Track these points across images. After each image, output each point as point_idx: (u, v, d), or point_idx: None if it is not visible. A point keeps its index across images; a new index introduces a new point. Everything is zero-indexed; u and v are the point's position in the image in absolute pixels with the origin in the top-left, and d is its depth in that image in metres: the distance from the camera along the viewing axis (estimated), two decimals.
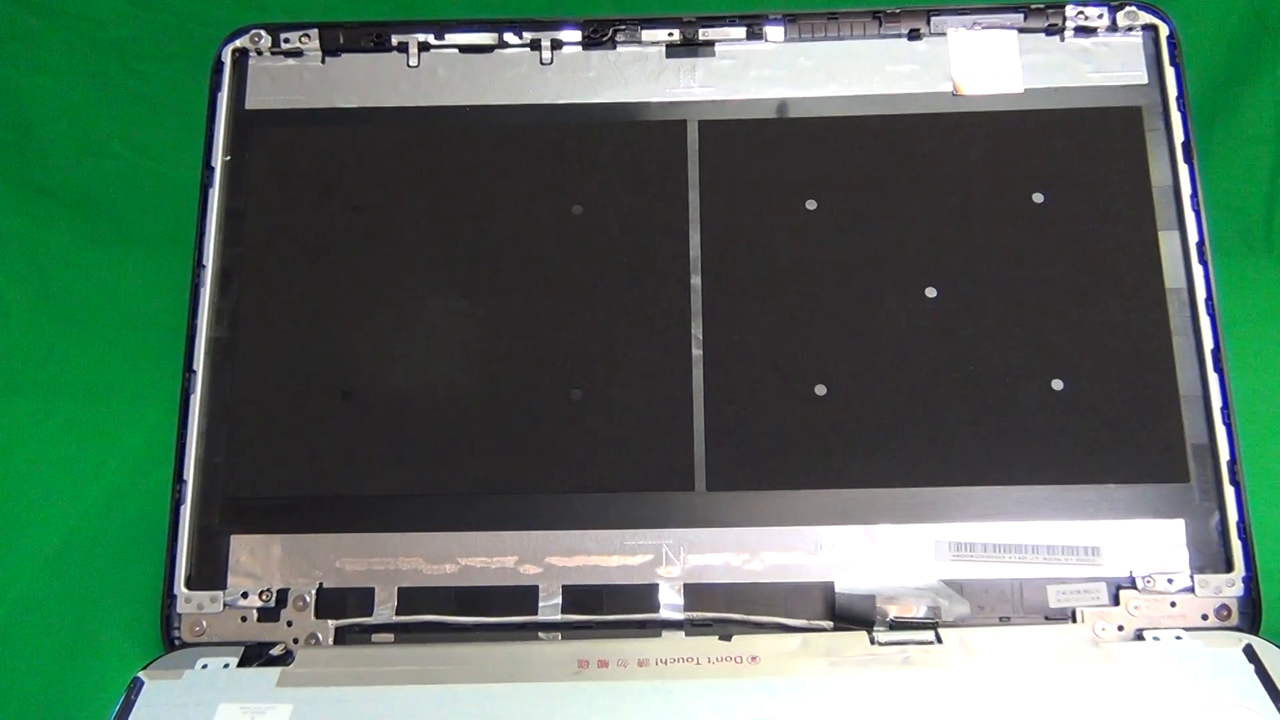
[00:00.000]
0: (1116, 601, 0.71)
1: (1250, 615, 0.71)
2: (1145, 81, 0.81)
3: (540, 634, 0.72)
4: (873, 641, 0.68)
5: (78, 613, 0.78)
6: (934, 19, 0.82)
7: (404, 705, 0.64)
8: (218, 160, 0.80)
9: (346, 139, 0.81)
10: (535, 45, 0.83)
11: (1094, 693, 0.63)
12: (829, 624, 0.71)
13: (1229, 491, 0.72)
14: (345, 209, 0.80)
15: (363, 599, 0.73)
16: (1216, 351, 0.75)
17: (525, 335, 0.77)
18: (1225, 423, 0.74)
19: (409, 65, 0.83)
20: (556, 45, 0.83)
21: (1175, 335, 0.75)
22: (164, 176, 1.09)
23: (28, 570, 0.82)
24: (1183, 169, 0.78)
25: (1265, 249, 1.10)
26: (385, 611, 0.73)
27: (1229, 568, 0.71)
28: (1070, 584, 0.72)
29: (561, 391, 0.76)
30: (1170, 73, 0.80)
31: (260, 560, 0.74)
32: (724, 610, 0.72)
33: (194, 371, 0.76)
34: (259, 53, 0.83)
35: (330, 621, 0.72)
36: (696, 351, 0.76)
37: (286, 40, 0.83)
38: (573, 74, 0.83)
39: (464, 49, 0.83)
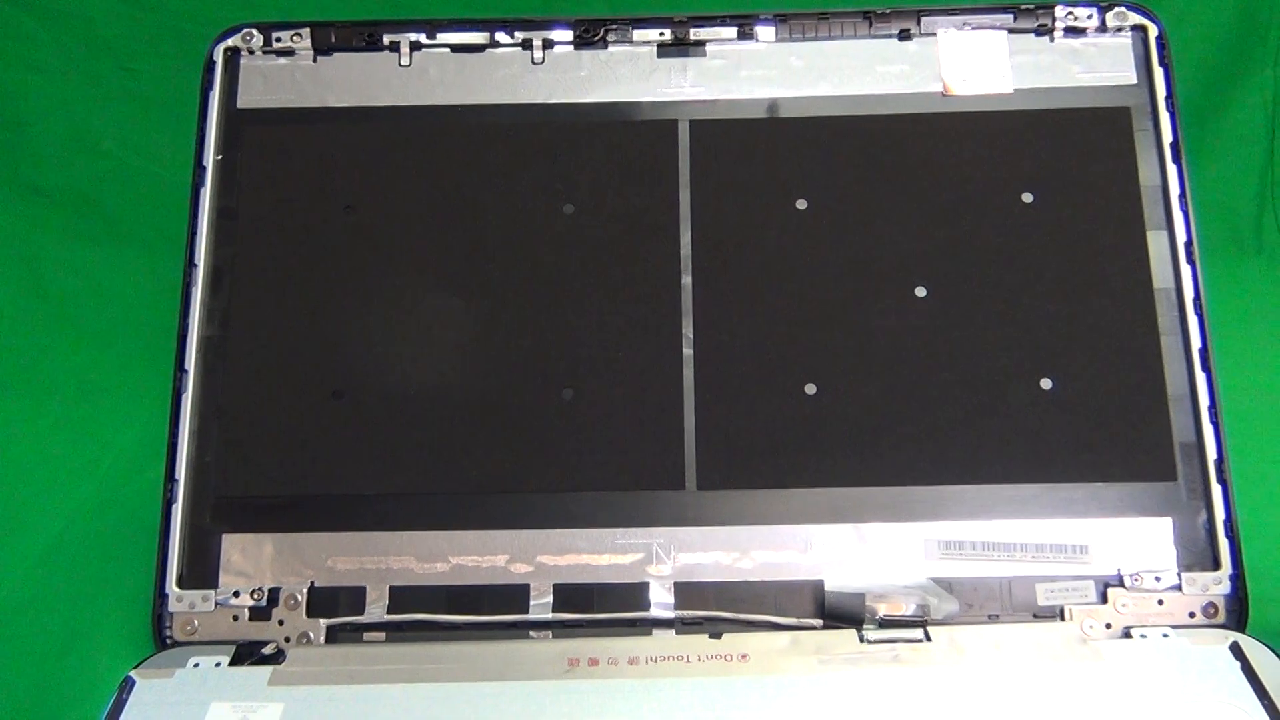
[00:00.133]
0: (1104, 599, 0.72)
1: (1237, 613, 0.71)
2: (1134, 82, 0.81)
3: (531, 632, 0.72)
4: (862, 639, 0.69)
5: (69, 611, 0.78)
6: (924, 19, 0.82)
7: (395, 704, 0.64)
8: (209, 159, 0.80)
9: (338, 138, 0.81)
10: (527, 45, 0.83)
11: (1082, 690, 0.64)
12: (818, 622, 0.72)
13: (1216, 490, 0.73)
14: (337, 208, 0.80)
15: (354, 598, 0.73)
16: (1204, 351, 0.75)
17: (516, 334, 0.77)
18: (1213, 422, 0.74)
19: (401, 65, 0.83)
20: (548, 45, 0.83)
21: (1163, 335, 0.75)
22: (156, 175, 1.09)
23: (19, 569, 0.82)
24: (1171, 169, 0.78)
25: (1255, 248, 1.10)
26: (377, 610, 0.73)
27: (1216, 566, 0.72)
28: (1059, 582, 0.72)
29: (553, 390, 0.76)
30: (1159, 73, 0.80)
31: (252, 559, 0.74)
32: (714, 609, 0.72)
33: (186, 370, 0.76)
34: (251, 52, 0.83)
35: (322, 620, 0.72)
36: (687, 351, 0.77)
37: (278, 39, 0.83)
38: (564, 73, 0.83)
39: (456, 48, 0.83)
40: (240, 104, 0.82)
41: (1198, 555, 0.72)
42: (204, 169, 0.80)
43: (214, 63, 0.82)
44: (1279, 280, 1.07)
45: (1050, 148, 0.79)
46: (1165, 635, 0.69)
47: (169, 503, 0.74)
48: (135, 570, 0.76)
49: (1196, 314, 0.76)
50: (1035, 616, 0.72)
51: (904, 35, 0.82)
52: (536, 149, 0.81)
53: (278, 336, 0.77)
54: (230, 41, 0.83)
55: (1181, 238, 0.77)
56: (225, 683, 0.66)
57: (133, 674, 0.67)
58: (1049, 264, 0.77)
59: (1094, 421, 0.74)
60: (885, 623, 0.70)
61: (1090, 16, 0.82)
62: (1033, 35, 0.82)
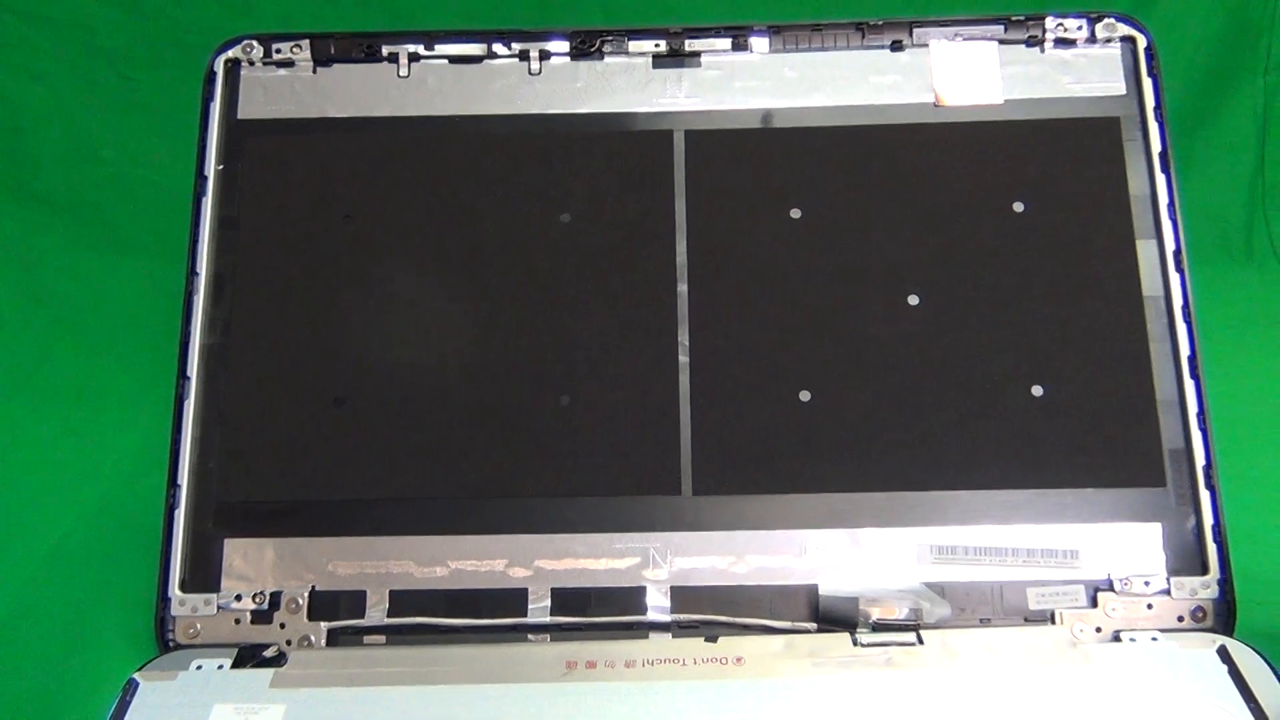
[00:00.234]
0: (1094, 603, 0.72)
1: (1225, 617, 0.72)
2: (1123, 92, 0.82)
3: (529, 636, 0.73)
4: (855, 643, 0.69)
5: (73, 615, 0.79)
6: (916, 30, 0.83)
7: (395, 706, 0.65)
8: (210, 169, 0.81)
9: (338, 148, 0.82)
10: (524, 56, 0.84)
11: (1072, 693, 0.64)
12: (812, 626, 0.72)
13: (1204, 495, 0.73)
14: (337, 217, 0.80)
15: (355, 601, 0.74)
16: (1193, 358, 0.76)
17: (514, 342, 0.78)
18: (1201, 428, 0.74)
19: (399, 75, 0.84)
20: (545, 56, 0.84)
21: (1153, 342, 0.76)
22: (155, 184, 1.10)
23: (23, 574, 0.83)
24: (1160, 179, 0.79)
25: (1244, 256, 1.11)
26: (377, 614, 0.73)
27: (1204, 570, 0.72)
28: (1049, 586, 0.73)
29: (550, 397, 0.77)
30: (1148, 84, 0.81)
31: (253, 563, 0.74)
32: (710, 612, 0.73)
33: (188, 378, 0.77)
34: (251, 63, 0.83)
35: (323, 624, 0.73)
36: (683, 358, 0.77)
37: (278, 50, 0.83)
38: (561, 84, 0.83)
39: (454, 59, 0.84)
40: (241, 115, 0.83)
41: (1186, 560, 0.73)
42: (205, 179, 0.81)
43: (215, 74, 0.83)
44: (1267, 287, 1.08)
45: (1041, 157, 0.80)
46: (1154, 639, 0.70)
47: (171, 508, 0.75)
48: (138, 574, 0.77)
49: (1185, 321, 0.76)
50: (1026, 620, 0.72)
51: (896, 46, 0.83)
52: (533, 158, 0.81)
53: (279, 344, 0.78)
54: (231, 53, 0.83)
55: (1170, 246, 0.78)
56: (228, 685, 0.67)
57: (136, 676, 0.67)
58: (1040, 272, 0.78)
59: (1084, 428, 0.75)
60: (878, 626, 0.71)
61: (1080, 28, 0.82)
62: (1023, 46, 0.83)
